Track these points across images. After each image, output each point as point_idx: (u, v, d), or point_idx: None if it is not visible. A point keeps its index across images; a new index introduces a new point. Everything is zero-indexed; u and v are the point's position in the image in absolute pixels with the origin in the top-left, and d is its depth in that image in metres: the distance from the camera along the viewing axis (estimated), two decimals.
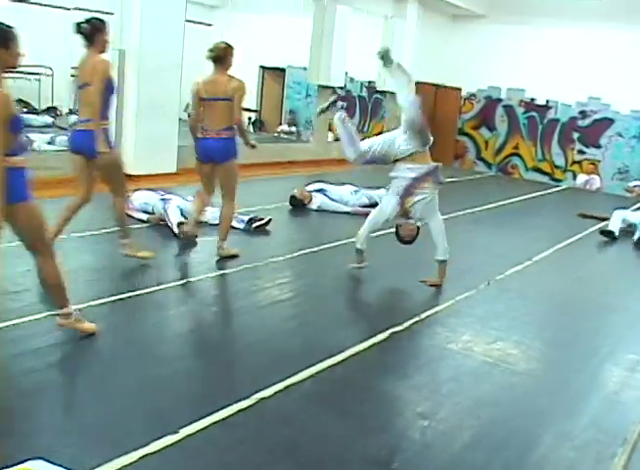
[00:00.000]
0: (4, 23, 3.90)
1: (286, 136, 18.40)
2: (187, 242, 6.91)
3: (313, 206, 9.19)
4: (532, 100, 16.24)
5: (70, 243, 6.33)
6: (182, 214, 7.33)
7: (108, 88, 5.49)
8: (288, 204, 9.07)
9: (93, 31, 5.47)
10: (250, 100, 18.09)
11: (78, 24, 5.49)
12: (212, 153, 6.12)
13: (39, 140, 11.57)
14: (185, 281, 5.84)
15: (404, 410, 3.94)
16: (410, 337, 5.09)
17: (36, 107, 16.07)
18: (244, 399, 3.79)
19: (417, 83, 16.30)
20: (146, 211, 7.68)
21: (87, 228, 7.13)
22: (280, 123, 19.24)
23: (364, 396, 4.09)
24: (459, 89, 17.01)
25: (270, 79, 19.82)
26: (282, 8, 17.57)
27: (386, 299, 5.82)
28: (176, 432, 3.38)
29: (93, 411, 3.60)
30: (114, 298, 5.22)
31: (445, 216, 9.41)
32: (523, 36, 16.19)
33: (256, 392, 3.88)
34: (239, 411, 3.68)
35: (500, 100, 16.69)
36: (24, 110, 14.31)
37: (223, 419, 3.59)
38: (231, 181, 6.25)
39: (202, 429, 3.46)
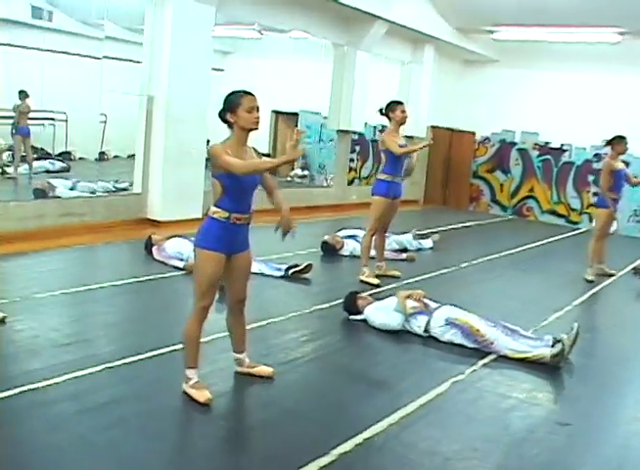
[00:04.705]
0: None
1: (299, 180, 18.38)
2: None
3: (345, 252, 9.14)
4: (547, 143, 16.29)
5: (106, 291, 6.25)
6: None
7: None
8: (319, 249, 9.00)
9: None
10: (263, 144, 18.15)
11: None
12: None
13: (62, 186, 11.44)
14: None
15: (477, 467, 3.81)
16: (471, 387, 4.97)
17: (50, 152, 15.95)
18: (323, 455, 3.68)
19: (433, 127, 16.55)
20: (180, 259, 7.59)
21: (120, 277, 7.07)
22: (292, 168, 19.23)
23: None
24: (473, 133, 17.07)
25: (283, 123, 19.86)
26: (296, 53, 17.69)
27: (443, 347, 5.72)
28: None
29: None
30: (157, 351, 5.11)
31: (466, 264, 9.40)
32: (535, 80, 16.29)
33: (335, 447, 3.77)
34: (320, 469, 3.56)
35: (514, 143, 16.74)
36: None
37: None
38: None
39: None
